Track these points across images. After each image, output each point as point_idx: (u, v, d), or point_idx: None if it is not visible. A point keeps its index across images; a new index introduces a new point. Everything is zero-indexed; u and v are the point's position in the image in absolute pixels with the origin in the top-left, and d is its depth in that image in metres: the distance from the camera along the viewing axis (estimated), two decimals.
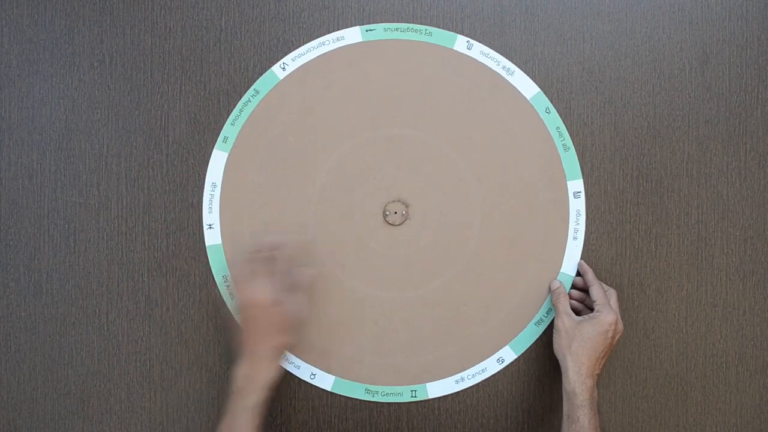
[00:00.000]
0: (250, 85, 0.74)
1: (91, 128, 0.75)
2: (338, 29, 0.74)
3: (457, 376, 0.74)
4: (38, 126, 0.75)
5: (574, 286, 0.74)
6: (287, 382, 0.75)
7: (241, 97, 0.74)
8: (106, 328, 0.76)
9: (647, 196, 0.75)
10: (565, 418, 0.66)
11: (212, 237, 0.74)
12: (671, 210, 0.75)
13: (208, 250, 0.74)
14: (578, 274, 0.74)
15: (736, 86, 0.75)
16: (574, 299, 0.73)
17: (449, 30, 0.74)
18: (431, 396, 0.74)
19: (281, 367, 0.67)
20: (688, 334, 0.75)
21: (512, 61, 0.74)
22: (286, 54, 0.74)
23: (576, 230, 0.74)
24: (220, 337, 0.74)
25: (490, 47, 0.74)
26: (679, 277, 0.75)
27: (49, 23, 0.75)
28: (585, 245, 0.74)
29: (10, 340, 0.76)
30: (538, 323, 0.74)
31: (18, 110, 0.75)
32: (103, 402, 0.76)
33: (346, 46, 0.74)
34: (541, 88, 0.74)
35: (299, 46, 0.74)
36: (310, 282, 0.71)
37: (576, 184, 0.74)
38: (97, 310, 0.76)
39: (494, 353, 0.74)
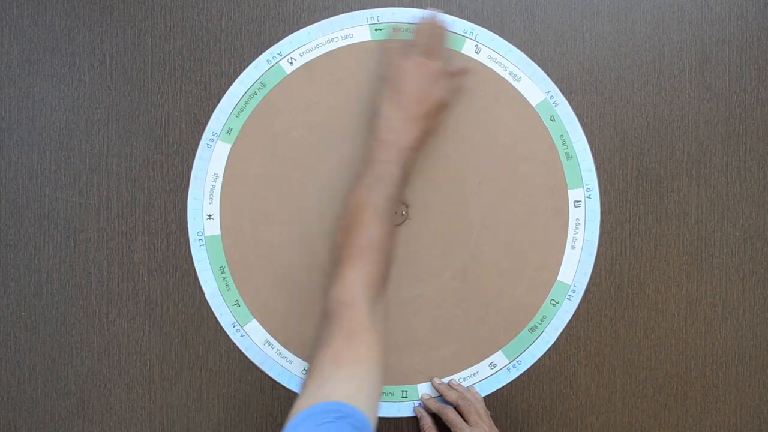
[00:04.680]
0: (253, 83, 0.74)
1: (91, 128, 0.75)
2: (351, 28, 0.74)
3: (448, 379, 0.74)
4: (38, 126, 0.75)
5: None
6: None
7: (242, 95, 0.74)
8: (106, 328, 0.76)
9: (647, 196, 0.75)
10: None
11: (211, 228, 0.74)
12: (671, 210, 0.75)
13: (206, 241, 0.74)
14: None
15: (736, 86, 0.75)
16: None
17: (460, 34, 0.74)
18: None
19: (424, 134, 0.66)
20: (688, 334, 0.75)
21: (521, 69, 0.74)
22: (296, 48, 0.74)
23: (575, 239, 0.74)
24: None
25: (500, 53, 0.74)
26: (679, 277, 0.75)
27: (49, 23, 0.75)
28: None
29: (10, 340, 0.76)
30: (532, 330, 0.74)
31: (18, 110, 0.75)
32: (103, 402, 0.76)
33: (354, 44, 0.74)
34: (548, 98, 0.74)
35: (311, 41, 0.74)
36: (466, 72, 0.71)
37: (577, 193, 0.74)
38: (97, 310, 0.76)
39: (487, 357, 0.74)
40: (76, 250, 0.75)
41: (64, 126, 0.75)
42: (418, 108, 0.65)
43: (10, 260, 0.75)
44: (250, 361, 0.75)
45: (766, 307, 0.75)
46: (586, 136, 0.74)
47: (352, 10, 0.74)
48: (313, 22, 0.74)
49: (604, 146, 0.75)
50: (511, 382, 0.75)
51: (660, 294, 0.75)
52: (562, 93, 0.74)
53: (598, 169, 0.75)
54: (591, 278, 0.74)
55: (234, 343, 0.74)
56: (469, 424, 0.67)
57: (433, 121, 0.68)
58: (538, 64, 0.74)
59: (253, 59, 0.74)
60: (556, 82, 0.74)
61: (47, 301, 0.76)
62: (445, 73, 0.68)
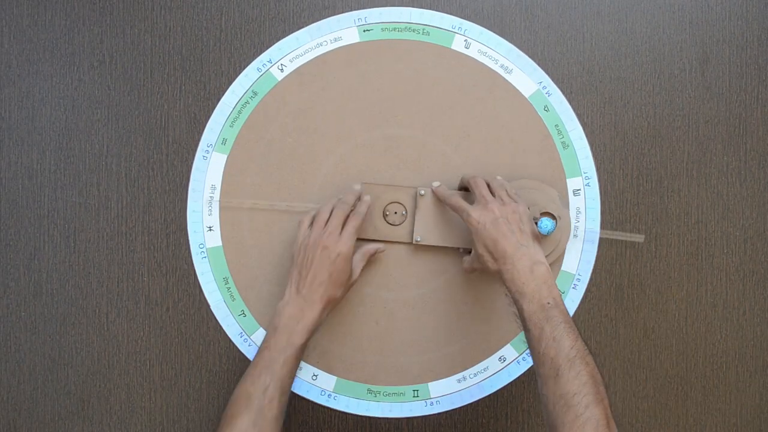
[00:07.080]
0: (250, 85, 0.74)
1: (91, 128, 0.75)
2: (339, 30, 0.74)
3: (459, 375, 0.74)
4: (38, 126, 0.75)
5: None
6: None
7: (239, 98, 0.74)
8: (106, 328, 0.76)
9: (647, 196, 0.75)
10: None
11: (212, 239, 0.74)
12: (671, 210, 0.75)
13: (208, 253, 0.74)
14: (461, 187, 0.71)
15: (736, 86, 0.75)
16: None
17: (449, 30, 0.74)
18: (433, 395, 0.74)
19: (324, 317, 0.66)
20: (688, 334, 0.75)
21: (512, 61, 0.74)
22: (286, 54, 0.74)
23: (576, 228, 0.74)
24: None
25: (489, 47, 0.74)
26: (679, 277, 0.75)
27: (49, 23, 0.75)
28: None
29: (10, 340, 0.76)
30: None
31: (18, 110, 0.75)
32: (103, 402, 0.76)
33: (343, 46, 0.74)
34: (541, 88, 0.74)
35: (300, 47, 0.74)
36: (374, 252, 0.71)
37: (575, 182, 0.74)
38: (97, 310, 0.76)
39: (495, 352, 0.74)
40: (76, 250, 0.75)
41: (63, 126, 0.75)
42: (318, 292, 0.65)
43: (10, 260, 0.75)
44: None
45: (767, 307, 0.75)
46: (586, 136, 0.74)
47: (352, 10, 0.74)
48: (313, 22, 0.74)
49: (604, 146, 0.75)
50: (512, 383, 0.75)
51: (660, 294, 0.75)
52: (555, 83, 0.74)
53: (598, 168, 0.74)
54: (594, 266, 0.74)
55: (242, 352, 0.74)
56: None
57: (337, 299, 0.67)
58: (538, 63, 0.74)
59: (253, 59, 0.74)
60: (556, 81, 0.74)
61: (47, 301, 0.75)
62: (350, 255, 0.66)
